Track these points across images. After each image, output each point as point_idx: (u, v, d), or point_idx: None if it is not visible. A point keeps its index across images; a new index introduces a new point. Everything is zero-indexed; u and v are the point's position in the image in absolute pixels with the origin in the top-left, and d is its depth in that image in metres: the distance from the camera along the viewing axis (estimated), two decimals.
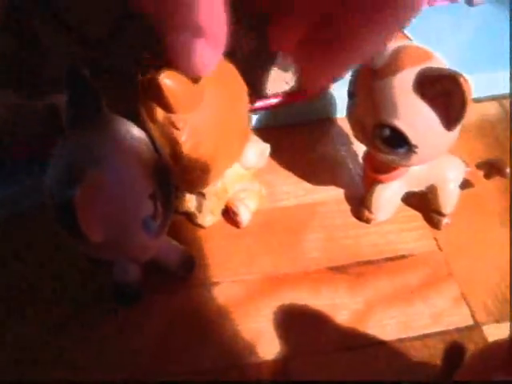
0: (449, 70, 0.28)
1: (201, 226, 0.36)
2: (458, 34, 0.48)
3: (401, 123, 0.29)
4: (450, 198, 0.35)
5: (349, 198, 0.38)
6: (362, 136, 0.32)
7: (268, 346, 0.31)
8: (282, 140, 0.41)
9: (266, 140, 0.37)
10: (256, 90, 0.38)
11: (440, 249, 0.35)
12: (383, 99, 0.29)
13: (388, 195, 0.35)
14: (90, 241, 0.24)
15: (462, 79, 0.27)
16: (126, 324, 0.32)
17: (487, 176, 0.36)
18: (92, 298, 0.33)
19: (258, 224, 0.36)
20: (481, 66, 0.45)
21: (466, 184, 0.36)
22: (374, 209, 0.36)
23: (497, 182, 0.37)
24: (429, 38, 0.46)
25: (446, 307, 0.33)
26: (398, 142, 0.30)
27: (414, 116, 0.29)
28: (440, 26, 0.48)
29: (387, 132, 0.30)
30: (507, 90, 0.45)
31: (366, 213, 0.36)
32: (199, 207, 0.35)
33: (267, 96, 0.39)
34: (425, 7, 0.48)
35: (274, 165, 0.40)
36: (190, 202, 0.35)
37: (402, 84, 0.29)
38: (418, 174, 0.34)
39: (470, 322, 0.32)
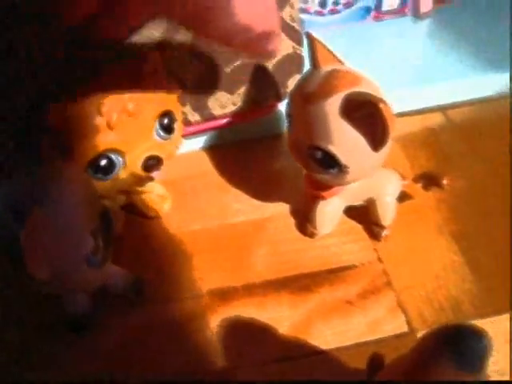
0: (371, 95, 0.30)
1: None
2: (406, 47, 0.50)
3: (331, 146, 0.31)
4: (388, 211, 0.37)
5: (295, 213, 0.40)
6: (298, 156, 0.34)
7: (218, 357, 0.33)
8: (230, 158, 0.43)
9: (213, 159, 0.39)
10: (204, 112, 0.40)
11: (380, 259, 0.37)
12: (315, 123, 0.31)
13: (329, 211, 0.37)
14: (36, 278, 0.26)
15: (382, 105, 0.29)
16: (81, 348, 0.34)
17: (425, 188, 0.38)
18: (46, 326, 0.34)
19: (207, 241, 0.38)
20: (427, 77, 0.47)
21: (404, 196, 0.38)
22: (316, 224, 0.38)
23: (435, 193, 0.39)
24: (377, 53, 0.49)
25: (383, 316, 0.35)
26: (330, 163, 0.32)
27: (344, 139, 0.31)
28: (388, 41, 0.50)
29: (319, 154, 0.32)
30: (452, 100, 0.47)
31: (310, 228, 0.38)
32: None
33: (215, 117, 0.40)
34: (372, 23, 0.50)
35: (223, 182, 0.42)
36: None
37: (332, 109, 0.30)
38: (357, 190, 0.36)
39: (405, 329, 0.34)
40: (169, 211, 0.40)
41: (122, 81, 0.32)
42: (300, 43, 0.40)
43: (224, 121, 0.41)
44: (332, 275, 0.37)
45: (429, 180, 0.38)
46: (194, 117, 0.40)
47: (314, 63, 0.32)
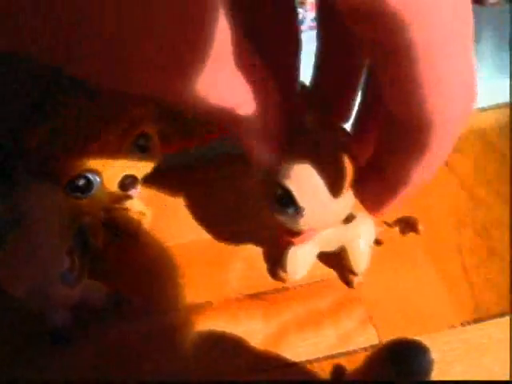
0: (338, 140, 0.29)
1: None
2: None
3: (290, 183, 0.29)
4: (361, 258, 0.36)
5: (270, 228, 0.41)
6: (262, 190, 0.32)
7: (192, 369, 0.34)
8: (208, 175, 0.44)
9: (191, 176, 0.40)
10: (189, 132, 0.41)
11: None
12: None
13: (301, 257, 0.37)
14: (12, 295, 0.27)
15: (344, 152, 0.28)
16: (63, 358, 0.35)
17: (402, 232, 0.38)
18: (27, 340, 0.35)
19: (182, 256, 0.39)
20: None
21: (377, 242, 0.38)
22: (288, 270, 0.37)
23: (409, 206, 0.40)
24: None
25: (354, 328, 0.36)
26: (288, 202, 0.30)
27: (304, 179, 0.29)
28: None
29: (279, 190, 0.30)
30: None
31: (280, 273, 0.38)
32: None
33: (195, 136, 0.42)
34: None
35: (198, 198, 0.43)
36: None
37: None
38: (329, 236, 0.35)
39: (376, 341, 0.35)
40: (148, 227, 0.41)
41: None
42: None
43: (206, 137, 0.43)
44: (304, 288, 0.37)
45: (405, 225, 0.38)
46: (175, 137, 0.41)
47: None
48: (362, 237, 0.36)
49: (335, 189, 0.29)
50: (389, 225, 0.38)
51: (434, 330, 0.35)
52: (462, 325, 0.36)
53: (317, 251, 0.37)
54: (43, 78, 0.32)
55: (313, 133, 0.29)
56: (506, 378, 0.34)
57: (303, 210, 0.30)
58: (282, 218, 0.31)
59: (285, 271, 0.38)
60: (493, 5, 0.53)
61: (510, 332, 0.35)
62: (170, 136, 0.39)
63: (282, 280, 0.38)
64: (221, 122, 0.19)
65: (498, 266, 0.38)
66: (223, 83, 0.16)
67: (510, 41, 0.50)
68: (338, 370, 0.29)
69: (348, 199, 0.29)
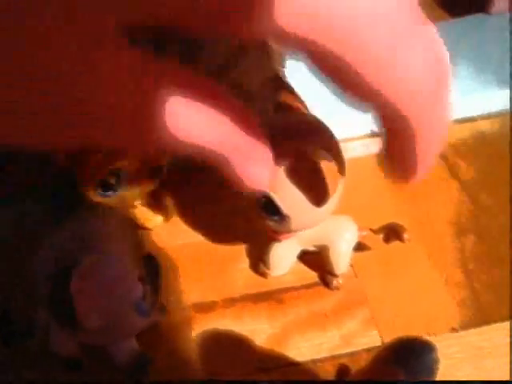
0: (319, 152, 0.30)
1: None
2: None
3: (273, 194, 0.31)
4: (341, 260, 0.37)
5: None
6: (247, 199, 0.34)
7: (197, 367, 0.35)
8: (204, 177, 0.44)
9: (186, 178, 0.40)
10: None
11: (355, 275, 0.39)
12: None
13: (282, 253, 0.37)
14: (86, 327, 0.27)
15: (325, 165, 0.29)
16: None
17: (386, 240, 0.38)
18: None
19: (188, 257, 0.40)
20: None
21: (361, 247, 0.38)
22: (270, 265, 0.38)
23: (416, 221, 0.40)
24: None
25: (357, 330, 0.36)
26: (273, 210, 0.31)
27: (287, 189, 0.30)
28: None
29: (263, 199, 0.31)
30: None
31: (263, 268, 0.38)
32: None
33: None
34: None
35: (204, 199, 0.43)
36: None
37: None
38: (311, 234, 0.35)
39: (378, 342, 0.36)
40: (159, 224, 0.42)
41: None
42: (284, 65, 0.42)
43: None
44: (309, 290, 0.38)
45: (390, 232, 0.38)
46: None
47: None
48: (343, 239, 0.36)
49: (318, 197, 0.30)
50: (373, 231, 0.38)
51: (435, 333, 0.36)
52: (464, 328, 0.36)
53: (299, 249, 0.38)
54: None
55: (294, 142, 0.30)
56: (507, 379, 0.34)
57: (287, 217, 0.31)
58: (269, 224, 0.33)
59: (267, 266, 0.38)
60: (497, 13, 0.54)
61: (510, 336, 0.35)
62: None
63: (264, 275, 0.38)
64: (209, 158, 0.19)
65: (500, 271, 0.39)
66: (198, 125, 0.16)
67: (511, 49, 0.51)
68: (342, 370, 0.30)
69: (331, 203, 0.31)
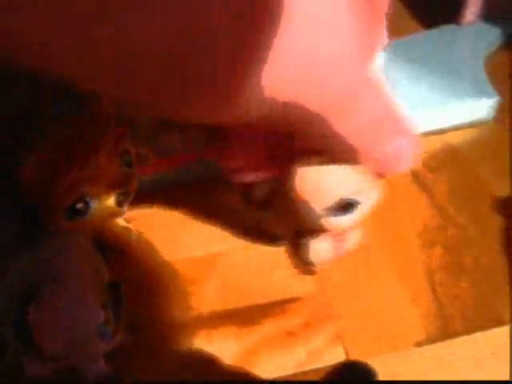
0: None
1: None
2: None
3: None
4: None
5: (247, 248, 0.42)
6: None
7: None
8: (186, 196, 0.45)
9: (167, 197, 0.41)
10: (164, 153, 0.43)
11: (323, 291, 0.39)
12: None
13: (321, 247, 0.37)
14: (48, 354, 0.28)
15: None
16: None
17: None
18: None
19: (161, 275, 0.41)
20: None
21: None
22: (313, 260, 0.37)
23: (383, 234, 0.41)
24: None
25: (323, 346, 0.37)
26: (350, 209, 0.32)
27: None
28: None
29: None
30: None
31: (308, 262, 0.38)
32: None
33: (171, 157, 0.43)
34: None
35: (179, 220, 0.44)
36: None
37: None
38: None
39: (343, 359, 0.36)
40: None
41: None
42: None
43: (184, 158, 0.44)
44: (277, 307, 0.39)
45: None
46: (151, 158, 0.42)
47: None
48: None
49: None
50: None
51: (401, 348, 0.36)
52: (429, 342, 0.37)
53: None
54: (19, 110, 0.33)
55: None
56: None
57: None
58: (334, 224, 0.32)
59: (309, 262, 0.38)
60: (468, 24, 0.54)
61: (509, 341, 0.36)
62: (144, 157, 0.41)
63: (312, 272, 0.40)
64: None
65: (467, 285, 0.39)
66: None
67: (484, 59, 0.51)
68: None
69: None
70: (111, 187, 0.37)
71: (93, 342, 0.30)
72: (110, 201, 0.37)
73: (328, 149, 0.22)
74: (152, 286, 0.40)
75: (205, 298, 0.39)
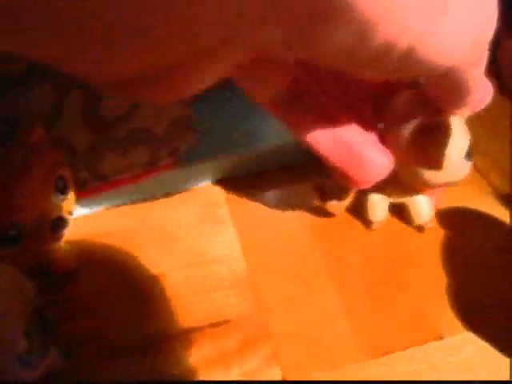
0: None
1: None
2: None
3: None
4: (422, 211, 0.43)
5: (187, 267, 0.42)
6: None
7: None
8: (130, 217, 0.45)
9: (114, 218, 0.41)
10: (100, 178, 0.43)
11: (260, 310, 0.39)
12: None
13: (377, 203, 0.42)
14: None
15: None
16: None
17: None
18: None
19: (108, 297, 0.41)
20: None
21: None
22: (370, 215, 0.43)
23: (316, 235, 0.41)
24: None
25: (259, 367, 0.37)
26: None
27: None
28: None
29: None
30: None
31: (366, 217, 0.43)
32: None
33: (111, 182, 0.43)
34: None
35: (124, 241, 0.44)
36: None
37: None
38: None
39: (279, 378, 0.36)
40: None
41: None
42: (188, 105, 0.43)
43: (123, 181, 0.44)
44: (214, 328, 0.39)
45: None
46: (91, 182, 0.42)
47: None
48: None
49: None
50: None
51: (337, 366, 0.36)
52: (365, 359, 0.37)
53: (388, 201, 0.43)
54: None
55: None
56: None
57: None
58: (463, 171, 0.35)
59: (367, 215, 0.43)
60: None
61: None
62: (83, 181, 0.41)
63: (369, 225, 0.44)
64: None
65: (403, 299, 0.40)
66: None
67: None
68: None
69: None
70: (44, 214, 0.37)
71: (14, 370, 0.30)
72: (44, 227, 0.37)
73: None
74: (90, 310, 0.40)
75: (146, 320, 0.39)
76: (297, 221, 0.44)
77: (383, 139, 0.23)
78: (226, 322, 0.39)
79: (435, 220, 0.44)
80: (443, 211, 0.44)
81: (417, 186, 0.39)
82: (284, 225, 0.44)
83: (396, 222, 0.44)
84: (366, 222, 0.43)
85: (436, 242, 0.42)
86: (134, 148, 0.43)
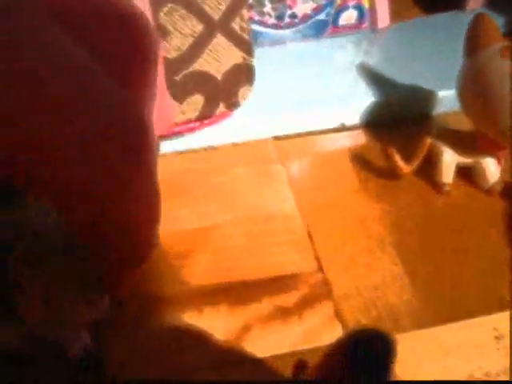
0: None
1: None
2: (364, 60, 0.50)
3: None
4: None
5: (243, 222, 0.40)
6: None
7: (154, 364, 0.33)
8: (180, 167, 0.43)
9: (163, 165, 0.39)
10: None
11: (320, 269, 0.37)
12: None
13: (449, 162, 0.42)
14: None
15: None
16: None
17: None
18: None
19: None
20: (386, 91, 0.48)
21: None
22: (443, 173, 0.42)
23: (380, 204, 0.39)
24: (335, 67, 0.49)
25: (320, 325, 0.35)
26: None
27: None
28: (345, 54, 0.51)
29: None
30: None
31: (438, 179, 0.43)
32: None
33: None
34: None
35: (171, 190, 0.41)
36: None
37: None
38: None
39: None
40: None
41: None
42: (250, 53, 0.41)
43: (175, 129, 0.42)
44: (272, 284, 0.37)
45: None
46: None
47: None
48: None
49: None
50: None
51: (403, 329, 0.35)
52: (432, 326, 0.35)
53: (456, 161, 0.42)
54: None
55: None
56: None
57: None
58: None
59: (440, 176, 0.42)
60: (472, 10, 0.54)
61: (510, 340, 0.34)
62: None
63: (441, 187, 0.42)
64: None
65: (472, 270, 0.38)
66: None
67: None
68: (301, 364, 0.28)
69: None
70: None
71: (75, 308, 0.28)
72: None
73: None
74: None
75: (196, 273, 0.37)
76: (357, 183, 0.42)
77: None
78: (285, 277, 0.37)
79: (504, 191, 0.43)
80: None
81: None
82: (341, 186, 0.43)
83: (461, 188, 0.43)
84: (437, 186, 0.42)
85: (502, 212, 0.41)
86: (190, 93, 0.40)
